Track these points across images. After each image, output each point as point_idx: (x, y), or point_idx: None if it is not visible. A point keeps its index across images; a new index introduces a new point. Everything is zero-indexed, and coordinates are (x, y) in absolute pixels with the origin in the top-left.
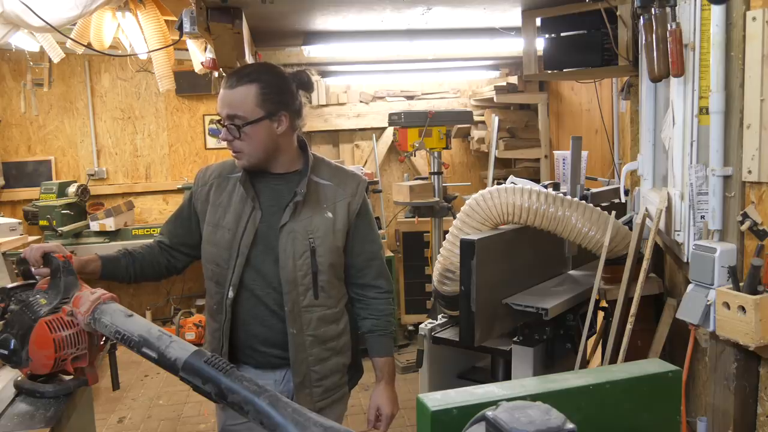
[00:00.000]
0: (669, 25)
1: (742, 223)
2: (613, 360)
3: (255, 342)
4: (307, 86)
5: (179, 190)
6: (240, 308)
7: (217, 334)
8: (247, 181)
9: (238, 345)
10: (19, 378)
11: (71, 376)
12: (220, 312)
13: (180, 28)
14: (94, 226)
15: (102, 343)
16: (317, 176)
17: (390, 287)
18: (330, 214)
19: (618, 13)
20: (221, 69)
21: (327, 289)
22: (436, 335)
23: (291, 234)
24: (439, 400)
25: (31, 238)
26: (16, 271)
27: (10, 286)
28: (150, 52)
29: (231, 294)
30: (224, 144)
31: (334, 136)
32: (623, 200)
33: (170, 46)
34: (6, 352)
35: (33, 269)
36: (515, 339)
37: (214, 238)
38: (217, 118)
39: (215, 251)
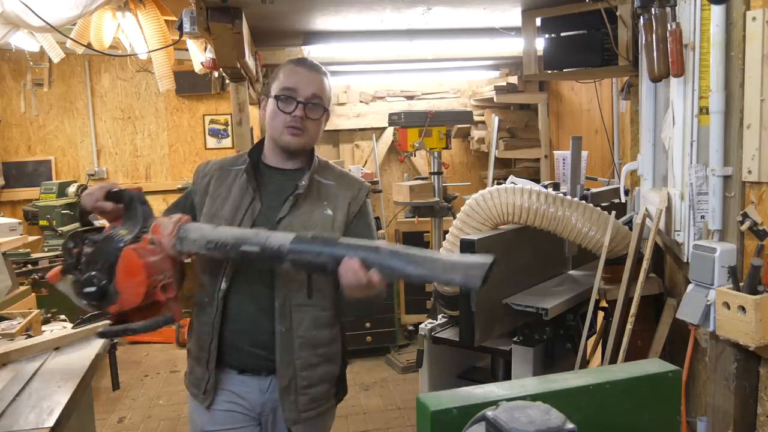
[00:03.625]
0: (669, 25)
1: (742, 223)
2: (613, 360)
3: (241, 340)
4: None
5: (179, 190)
6: (230, 303)
7: (207, 328)
8: (251, 170)
9: (224, 342)
10: (100, 329)
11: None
12: (211, 304)
13: (180, 28)
14: None
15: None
16: (320, 176)
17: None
18: (330, 212)
19: (618, 13)
20: (221, 69)
21: (323, 288)
22: (436, 335)
23: (288, 228)
24: (439, 400)
25: (31, 238)
26: (72, 230)
27: (81, 229)
28: (150, 52)
29: (224, 285)
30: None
31: (334, 136)
32: (623, 200)
33: (170, 46)
34: (93, 289)
35: (102, 206)
36: (515, 339)
37: None
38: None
39: None
